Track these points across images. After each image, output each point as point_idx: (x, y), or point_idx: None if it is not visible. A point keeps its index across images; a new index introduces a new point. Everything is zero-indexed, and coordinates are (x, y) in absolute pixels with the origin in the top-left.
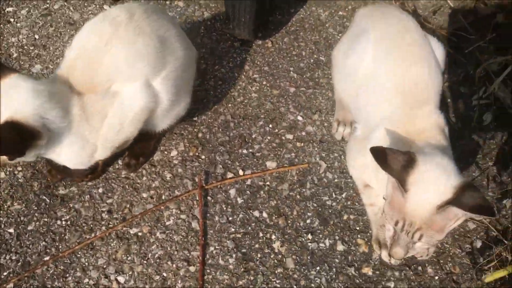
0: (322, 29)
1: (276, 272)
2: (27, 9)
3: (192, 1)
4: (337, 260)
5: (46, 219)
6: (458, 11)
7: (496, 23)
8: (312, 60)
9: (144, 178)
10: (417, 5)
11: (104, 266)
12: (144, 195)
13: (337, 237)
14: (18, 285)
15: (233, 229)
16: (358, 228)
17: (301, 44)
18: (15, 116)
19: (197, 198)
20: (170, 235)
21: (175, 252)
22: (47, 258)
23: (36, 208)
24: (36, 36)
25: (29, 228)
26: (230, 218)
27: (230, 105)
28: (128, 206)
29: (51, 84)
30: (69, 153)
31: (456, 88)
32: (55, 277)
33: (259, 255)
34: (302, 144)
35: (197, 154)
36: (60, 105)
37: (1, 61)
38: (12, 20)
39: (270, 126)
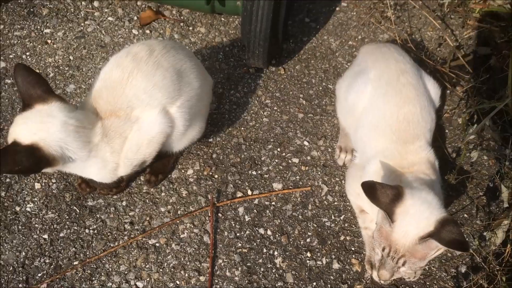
0: (332, 57)
1: (276, 285)
2: (63, 31)
3: (213, 28)
4: (332, 277)
5: (76, 228)
6: (459, 48)
7: (489, 65)
8: (321, 88)
9: (163, 194)
10: (423, 37)
11: (125, 272)
12: (162, 209)
13: (333, 256)
14: (50, 286)
15: (240, 244)
16: (353, 249)
17: (312, 72)
18: (40, 143)
19: (209, 215)
20: (184, 247)
21: (188, 263)
22: (76, 262)
23: (67, 217)
24: (71, 58)
25: (61, 235)
26: (238, 234)
27: (242, 128)
28: (148, 218)
29: (80, 115)
30: (92, 171)
31: (454, 119)
32: (82, 280)
33: (262, 269)
34: (306, 168)
35: (210, 173)
36: (81, 139)
37: (50, 86)
38: (49, 41)
39: (278, 149)
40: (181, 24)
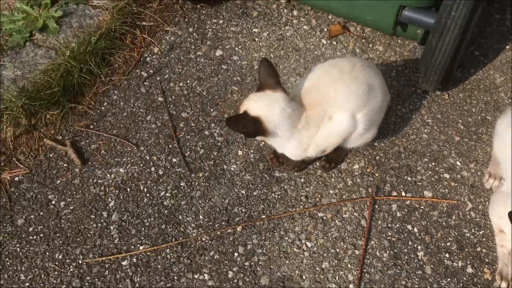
0: (494, 92)
1: (416, 272)
2: (267, 32)
3: (389, 48)
4: (464, 278)
5: (265, 190)
6: None
7: None
8: (479, 117)
9: (332, 179)
10: None
11: (299, 233)
12: (331, 191)
13: (468, 262)
14: (244, 229)
15: (390, 233)
16: (487, 260)
17: (473, 102)
18: (263, 117)
19: (368, 204)
20: (345, 224)
21: (347, 237)
22: (263, 216)
23: (259, 181)
24: (271, 55)
25: (254, 193)
26: (389, 225)
27: (404, 139)
28: (319, 196)
29: (294, 106)
30: (289, 147)
31: None
32: (267, 230)
33: (405, 257)
34: (455, 184)
35: (372, 171)
36: (291, 123)
37: (280, 80)
38: (256, 39)
39: (433, 164)
40: (363, 40)
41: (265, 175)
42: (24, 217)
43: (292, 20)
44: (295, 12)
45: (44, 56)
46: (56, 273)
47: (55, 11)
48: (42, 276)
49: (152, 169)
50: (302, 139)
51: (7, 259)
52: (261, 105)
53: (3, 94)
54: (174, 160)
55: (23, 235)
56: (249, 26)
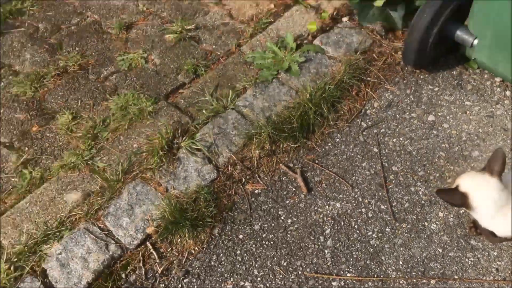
0: None
1: None
2: (478, 107)
3: None
4: None
5: (459, 254)
6: None
7: None
8: None
9: None
10: None
11: None
12: None
13: None
14: (438, 283)
15: None
16: None
17: None
18: (470, 195)
19: None
20: None
21: None
22: (456, 277)
23: (456, 244)
24: (480, 130)
25: (450, 254)
26: None
27: None
28: (509, 272)
29: (503, 193)
30: (494, 224)
31: None
32: None
33: None
34: None
35: None
36: (494, 208)
37: (503, 169)
38: (467, 112)
39: None
40: None
41: (461, 240)
42: (259, 224)
43: (504, 100)
44: (507, 93)
45: (286, 93)
46: (281, 276)
47: (299, 56)
48: (270, 276)
49: (363, 210)
50: (507, 220)
51: (245, 254)
52: (474, 184)
53: (255, 120)
54: (382, 206)
55: (258, 239)
56: (462, 98)
